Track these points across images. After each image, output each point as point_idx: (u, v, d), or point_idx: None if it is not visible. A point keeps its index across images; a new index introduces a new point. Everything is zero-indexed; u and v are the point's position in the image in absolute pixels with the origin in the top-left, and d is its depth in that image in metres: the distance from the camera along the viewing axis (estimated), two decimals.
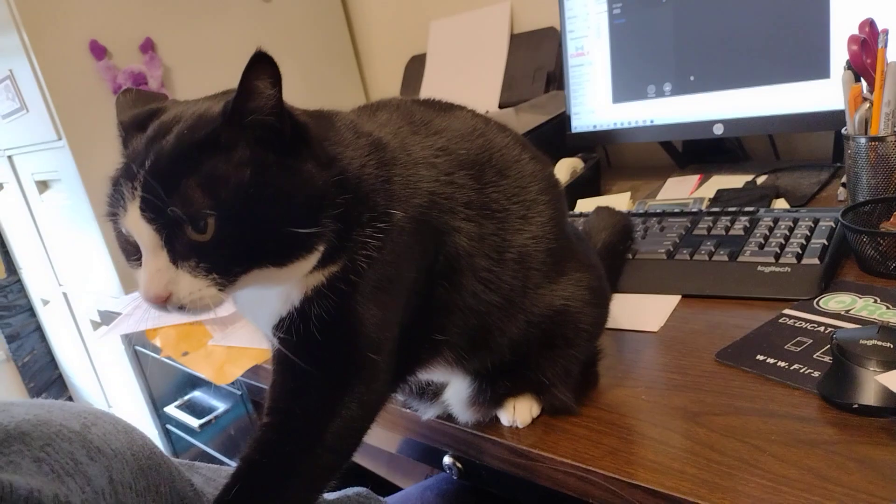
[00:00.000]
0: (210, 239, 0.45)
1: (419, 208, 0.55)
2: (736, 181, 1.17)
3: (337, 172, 0.50)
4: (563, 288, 0.63)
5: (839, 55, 0.99)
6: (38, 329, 2.54)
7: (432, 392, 0.69)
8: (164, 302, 0.46)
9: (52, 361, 2.57)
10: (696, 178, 1.25)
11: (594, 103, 1.31)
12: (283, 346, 0.53)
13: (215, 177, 0.45)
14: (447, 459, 0.71)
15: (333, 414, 0.51)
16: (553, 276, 0.63)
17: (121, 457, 0.45)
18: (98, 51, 1.53)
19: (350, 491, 0.64)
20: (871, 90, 0.83)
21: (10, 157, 1.93)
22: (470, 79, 1.69)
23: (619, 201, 1.18)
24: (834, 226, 0.84)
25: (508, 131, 0.66)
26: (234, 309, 1.07)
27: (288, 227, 0.47)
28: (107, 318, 1.35)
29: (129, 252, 0.49)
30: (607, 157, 1.55)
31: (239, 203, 0.45)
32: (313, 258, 0.49)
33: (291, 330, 0.51)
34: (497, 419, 0.66)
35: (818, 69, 1.03)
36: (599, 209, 0.93)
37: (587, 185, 1.31)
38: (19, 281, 2.48)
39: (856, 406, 0.54)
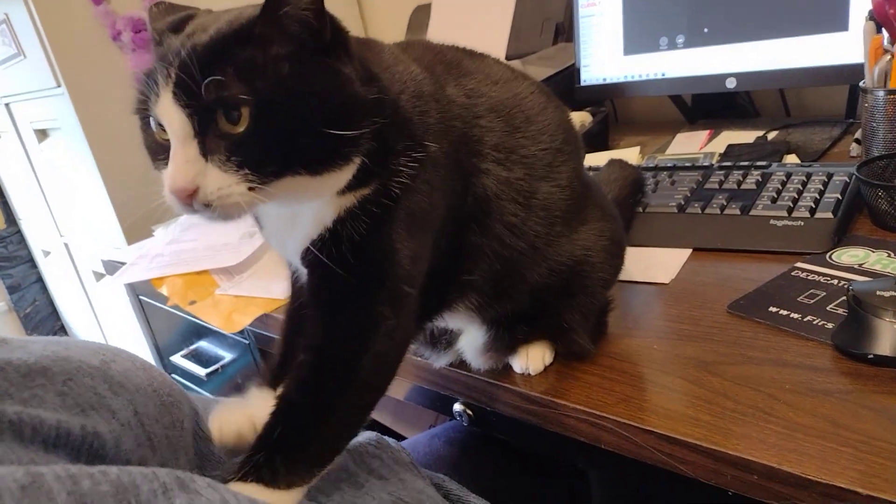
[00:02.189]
0: (243, 131, 0.44)
1: (452, 145, 0.54)
2: (746, 137, 1.16)
3: (375, 91, 0.49)
4: (585, 238, 0.64)
5: (859, 7, 0.98)
6: (40, 280, 2.54)
7: (446, 341, 0.69)
8: (189, 197, 0.44)
9: (53, 312, 2.58)
10: (705, 133, 1.24)
11: (604, 55, 1.29)
12: (312, 272, 0.52)
13: (252, 66, 0.44)
14: (458, 406, 0.72)
15: (367, 349, 0.51)
16: (575, 225, 0.63)
17: (143, 391, 0.45)
18: None
19: (362, 437, 0.64)
20: (893, 42, 0.81)
21: (7, 105, 1.90)
22: (476, 29, 1.65)
23: (629, 156, 1.17)
24: (848, 180, 0.84)
25: (531, 79, 0.65)
26: (241, 258, 1.07)
27: (324, 127, 0.45)
28: (111, 268, 1.35)
29: (156, 152, 0.48)
30: (615, 111, 1.53)
31: (275, 95, 0.44)
32: (348, 171, 0.48)
33: (323, 252, 0.50)
34: (509, 367, 0.66)
35: (836, 21, 1.01)
36: (612, 162, 0.93)
37: (595, 139, 1.29)
38: (19, 232, 2.47)
39: (871, 356, 0.54)
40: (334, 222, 0.50)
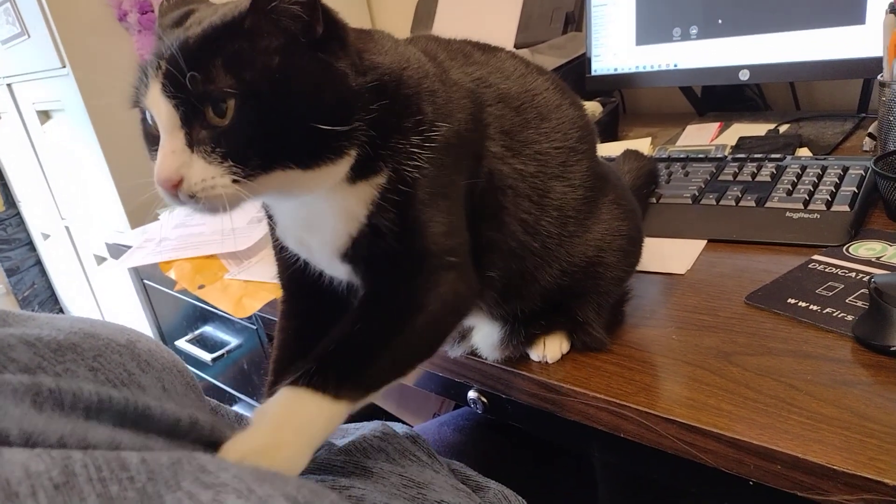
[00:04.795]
0: (229, 123, 0.44)
1: (463, 124, 0.53)
2: (757, 129, 1.16)
3: (374, 79, 0.48)
4: (600, 237, 0.63)
5: (877, 0, 0.97)
6: (38, 263, 2.53)
7: (459, 334, 0.69)
8: (175, 187, 0.45)
9: (52, 296, 2.57)
10: (716, 125, 1.24)
11: (616, 45, 1.28)
12: (355, 268, 0.52)
13: (239, 58, 0.44)
14: (472, 394, 0.72)
15: (420, 308, 0.51)
16: (589, 224, 0.63)
17: (169, 370, 0.45)
18: None
19: (367, 428, 0.64)
20: None
21: (9, 86, 1.88)
22: (485, 18, 1.64)
23: (639, 147, 1.16)
24: (864, 174, 0.83)
25: (548, 75, 0.64)
26: (250, 243, 1.06)
27: (313, 122, 0.45)
28: (115, 251, 1.34)
29: (150, 142, 0.48)
30: (623, 102, 1.52)
31: (262, 88, 0.44)
32: (343, 164, 0.48)
33: (365, 246, 0.50)
34: (525, 355, 0.66)
35: (853, 14, 1.01)
36: (627, 153, 0.92)
37: (605, 130, 1.29)
38: (18, 214, 2.46)
39: (893, 349, 0.54)
40: (368, 216, 0.50)
